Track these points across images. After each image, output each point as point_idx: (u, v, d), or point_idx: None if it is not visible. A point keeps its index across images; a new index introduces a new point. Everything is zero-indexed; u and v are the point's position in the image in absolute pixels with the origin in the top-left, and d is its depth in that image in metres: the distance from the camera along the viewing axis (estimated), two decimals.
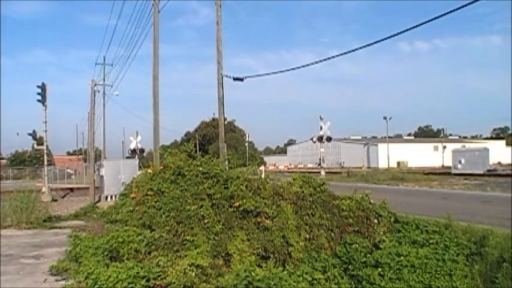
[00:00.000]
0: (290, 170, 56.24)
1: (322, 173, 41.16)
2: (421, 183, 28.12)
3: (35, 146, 30.52)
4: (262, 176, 8.68)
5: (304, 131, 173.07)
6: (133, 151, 36.54)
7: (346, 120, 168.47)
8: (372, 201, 7.86)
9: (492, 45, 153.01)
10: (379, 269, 6.05)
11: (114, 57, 67.38)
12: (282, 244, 6.79)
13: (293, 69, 17.40)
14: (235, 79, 15.64)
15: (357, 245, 6.77)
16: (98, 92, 32.22)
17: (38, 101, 23.74)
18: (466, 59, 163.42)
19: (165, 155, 9.23)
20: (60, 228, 12.55)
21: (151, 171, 9.10)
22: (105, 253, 6.76)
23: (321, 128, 44.87)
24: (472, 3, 7.21)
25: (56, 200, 22.43)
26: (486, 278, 6.00)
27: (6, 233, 11.51)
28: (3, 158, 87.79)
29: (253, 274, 5.20)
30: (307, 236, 7.05)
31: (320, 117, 45.55)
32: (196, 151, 9.08)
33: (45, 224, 12.91)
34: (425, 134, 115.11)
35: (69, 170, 55.72)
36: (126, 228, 7.47)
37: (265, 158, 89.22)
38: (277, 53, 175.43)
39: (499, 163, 59.34)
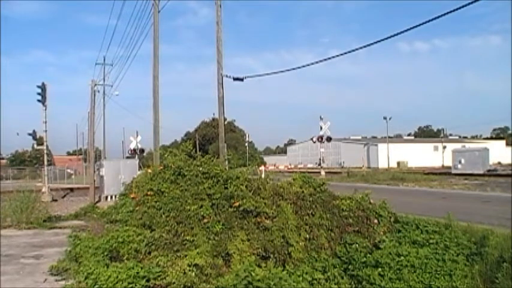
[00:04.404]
0: (290, 170, 56.25)
1: (322, 173, 41.16)
2: (421, 183, 28.11)
3: (35, 146, 30.52)
4: (262, 176, 8.68)
5: (304, 131, 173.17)
6: (134, 151, 36.57)
7: (346, 120, 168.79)
8: (371, 201, 7.86)
9: (492, 45, 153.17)
10: (379, 269, 6.05)
11: (114, 57, 67.25)
12: (282, 244, 6.78)
13: (293, 69, 17.49)
14: (235, 79, 15.65)
15: (357, 245, 6.77)
16: (98, 92, 32.18)
17: (38, 101, 23.73)
18: (466, 59, 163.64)
19: (165, 155, 9.23)
20: (60, 228, 12.56)
21: (151, 171, 9.10)
22: (105, 253, 6.76)
23: (321, 128, 44.89)
24: (472, 3, 7.20)
25: (56, 200, 22.42)
26: (486, 278, 5.99)
27: (6, 233, 11.51)
28: (3, 158, 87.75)
29: (253, 274, 5.20)
30: (307, 236, 7.04)
31: (320, 117, 45.62)
32: (196, 151, 9.06)
33: (45, 224, 12.92)
34: (425, 134, 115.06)
35: (69, 170, 55.73)
36: (126, 228, 7.47)
37: (265, 158, 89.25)
38: (277, 53, 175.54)
39: (499, 163, 59.37)
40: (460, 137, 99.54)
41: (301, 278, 5.95)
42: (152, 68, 17.32)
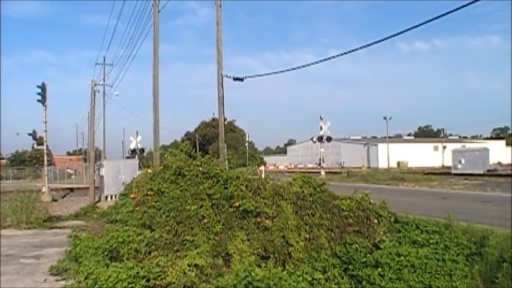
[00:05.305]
0: (290, 170, 56.25)
1: (322, 173, 41.17)
2: (421, 183, 28.11)
3: (35, 146, 30.56)
4: (262, 176, 8.68)
5: (304, 131, 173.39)
6: (133, 151, 36.60)
7: (346, 120, 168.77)
8: (372, 201, 7.86)
9: (492, 45, 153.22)
10: (379, 269, 6.05)
11: (114, 57, 67.30)
12: (282, 244, 6.79)
13: (293, 69, 17.53)
14: (235, 79, 15.67)
15: (357, 245, 6.77)
16: (98, 92, 32.18)
17: (38, 101, 23.74)
18: (466, 59, 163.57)
19: (165, 155, 9.23)
20: (60, 228, 12.55)
21: (151, 171, 9.10)
22: (105, 253, 6.76)
23: (321, 128, 44.92)
24: (472, 3, 7.21)
25: (56, 200, 22.42)
26: (486, 278, 6.00)
27: (6, 233, 11.51)
28: (3, 158, 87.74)
29: (253, 274, 5.20)
30: (307, 236, 7.04)
31: (320, 117, 45.65)
32: (196, 151, 9.07)
33: (45, 224, 12.92)
34: (425, 134, 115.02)
35: (69, 170, 55.73)
36: (126, 228, 7.47)
37: (265, 158, 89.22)
38: (277, 53, 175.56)
39: (499, 163, 59.34)
40: (460, 137, 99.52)
41: (301, 278, 5.94)
42: (152, 68, 17.30)
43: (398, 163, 66.71)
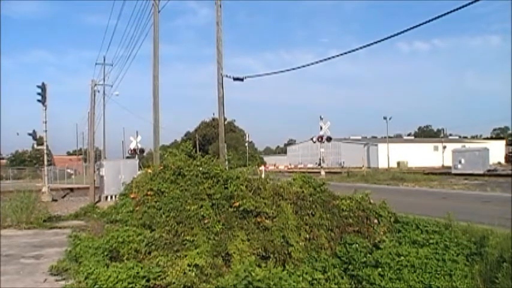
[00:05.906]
0: (290, 170, 56.27)
1: (322, 173, 41.17)
2: (421, 183, 28.11)
3: (35, 146, 30.57)
4: (262, 176, 8.68)
5: (304, 131, 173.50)
6: (134, 151, 36.60)
7: (346, 120, 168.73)
8: (372, 201, 7.86)
9: (492, 45, 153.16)
10: (379, 269, 6.06)
11: (114, 57, 67.33)
12: (282, 244, 6.79)
13: (293, 69, 17.53)
14: (235, 79, 15.68)
15: (357, 245, 6.77)
16: (98, 92, 32.18)
17: (38, 101, 23.75)
18: (466, 59, 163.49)
19: (165, 155, 9.23)
20: (60, 228, 12.55)
21: (151, 171, 9.11)
22: (105, 253, 6.77)
23: (321, 128, 44.92)
24: (472, 3, 7.21)
25: (56, 200, 22.43)
26: (486, 278, 6.00)
27: (6, 233, 11.51)
28: (3, 158, 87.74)
29: (253, 274, 5.20)
30: (307, 236, 7.05)
31: (320, 117, 45.65)
32: (196, 151, 9.07)
33: (45, 224, 12.91)
34: (425, 134, 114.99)
35: (69, 170, 55.77)
36: (126, 228, 7.48)
37: (265, 158, 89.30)
38: (277, 53, 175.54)
39: (499, 163, 59.37)
40: (460, 137, 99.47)
41: (301, 278, 5.95)
42: (152, 68, 17.30)
43: (398, 163, 66.71)
